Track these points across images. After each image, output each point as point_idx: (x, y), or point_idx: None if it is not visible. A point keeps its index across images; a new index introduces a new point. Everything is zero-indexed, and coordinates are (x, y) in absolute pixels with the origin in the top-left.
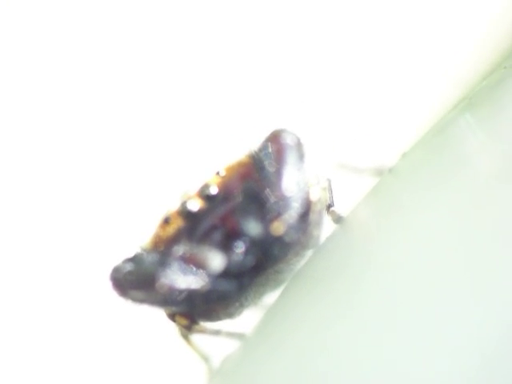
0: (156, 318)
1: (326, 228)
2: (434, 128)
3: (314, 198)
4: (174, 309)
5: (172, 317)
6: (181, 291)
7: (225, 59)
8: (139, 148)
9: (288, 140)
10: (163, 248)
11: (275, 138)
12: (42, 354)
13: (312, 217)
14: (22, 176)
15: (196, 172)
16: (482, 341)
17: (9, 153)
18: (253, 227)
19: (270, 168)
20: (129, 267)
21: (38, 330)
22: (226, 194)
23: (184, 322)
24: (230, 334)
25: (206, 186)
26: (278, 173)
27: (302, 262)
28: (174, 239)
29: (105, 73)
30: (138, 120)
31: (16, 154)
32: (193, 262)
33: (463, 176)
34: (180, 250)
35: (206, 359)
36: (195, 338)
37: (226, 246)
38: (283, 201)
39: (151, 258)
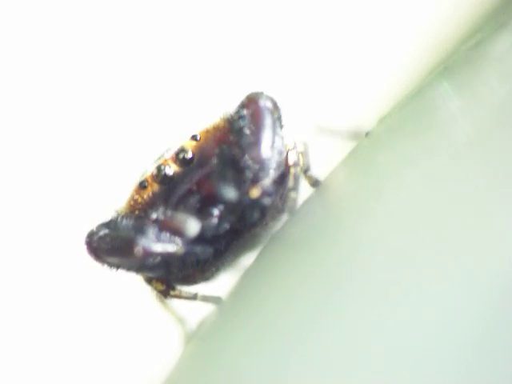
0: (132, 281)
1: (303, 192)
2: (411, 93)
3: (290, 161)
4: (150, 274)
5: (149, 281)
6: (157, 256)
7: (199, 24)
8: (114, 113)
9: (264, 103)
10: (139, 212)
11: (251, 101)
12: (16, 320)
13: (289, 181)
14: None
15: (171, 136)
16: (459, 303)
17: None
18: (229, 191)
19: (247, 132)
20: (104, 232)
21: (9, 297)
22: (201, 158)
23: (160, 287)
24: (206, 298)
25: (182, 150)
26: (255, 136)
27: (279, 225)
28: (150, 204)
29: (85, 46)
30: (113, 84)
31: None
32: (169, 227)
33: (439, 140)
34: (156, 214)
35: (181, 323)
36: (171, 301)
37: (202, 210)
38: (260, 165)
39: (127, 223)
